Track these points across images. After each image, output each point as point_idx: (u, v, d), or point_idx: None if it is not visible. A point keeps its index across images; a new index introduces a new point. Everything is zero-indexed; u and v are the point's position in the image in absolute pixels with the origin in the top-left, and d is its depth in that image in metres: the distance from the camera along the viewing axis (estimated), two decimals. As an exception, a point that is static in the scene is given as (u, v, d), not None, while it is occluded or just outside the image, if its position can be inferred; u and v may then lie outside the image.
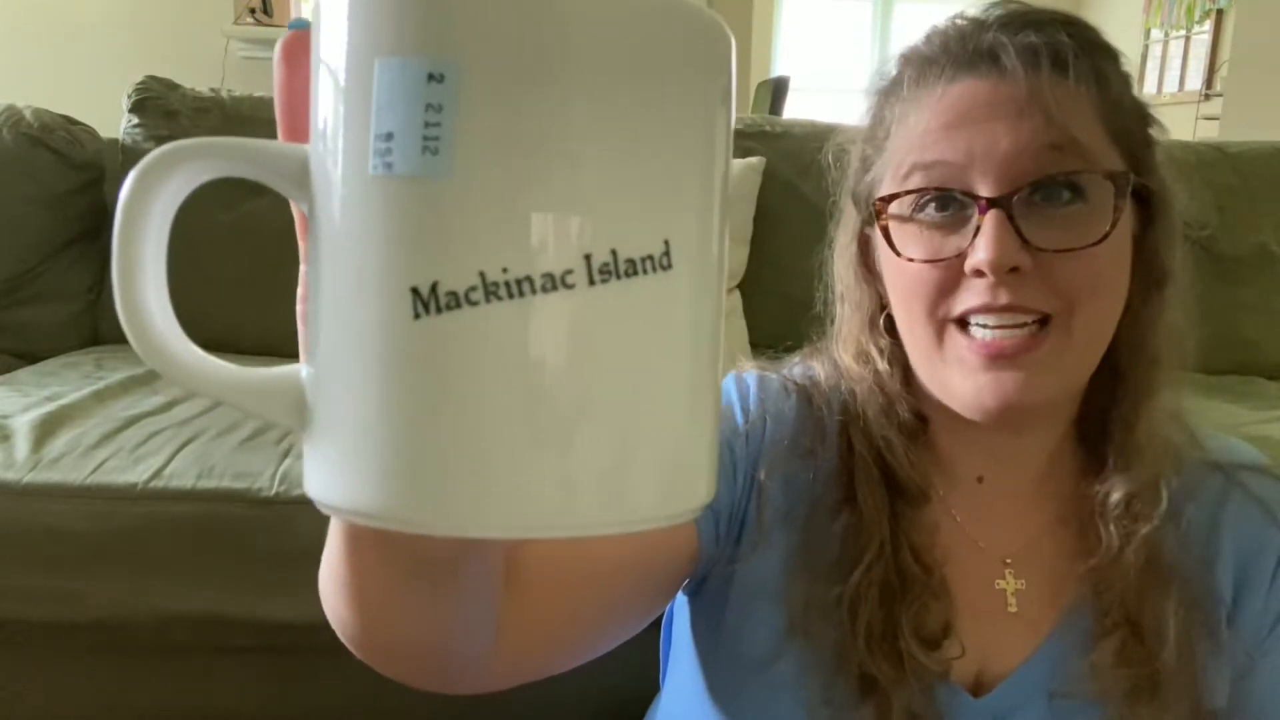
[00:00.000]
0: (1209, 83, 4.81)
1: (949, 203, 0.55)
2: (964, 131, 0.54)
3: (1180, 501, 0.60)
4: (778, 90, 3.94)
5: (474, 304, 0.21)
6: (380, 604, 0.40)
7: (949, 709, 0.58)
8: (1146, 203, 0.58)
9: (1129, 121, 0.57)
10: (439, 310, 0.21)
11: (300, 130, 0.25)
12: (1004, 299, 0.53)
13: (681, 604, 0.69)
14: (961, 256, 0.54)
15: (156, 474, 1.11)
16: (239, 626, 1.12)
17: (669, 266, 0.22)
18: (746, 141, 1.79)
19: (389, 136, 0.21)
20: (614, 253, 0.21)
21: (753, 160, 1.69)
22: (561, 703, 1.14)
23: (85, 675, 1.19)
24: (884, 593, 0.58)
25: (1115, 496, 0.59)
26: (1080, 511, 0.61)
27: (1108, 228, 0.53)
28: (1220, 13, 4.71)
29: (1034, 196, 0.54)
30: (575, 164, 0.21)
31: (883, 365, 0.62)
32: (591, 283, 0.21)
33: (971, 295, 0.54)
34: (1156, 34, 5.63)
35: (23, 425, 1.19)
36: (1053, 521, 0.62)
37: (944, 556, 0.61)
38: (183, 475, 1.12)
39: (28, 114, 1.70)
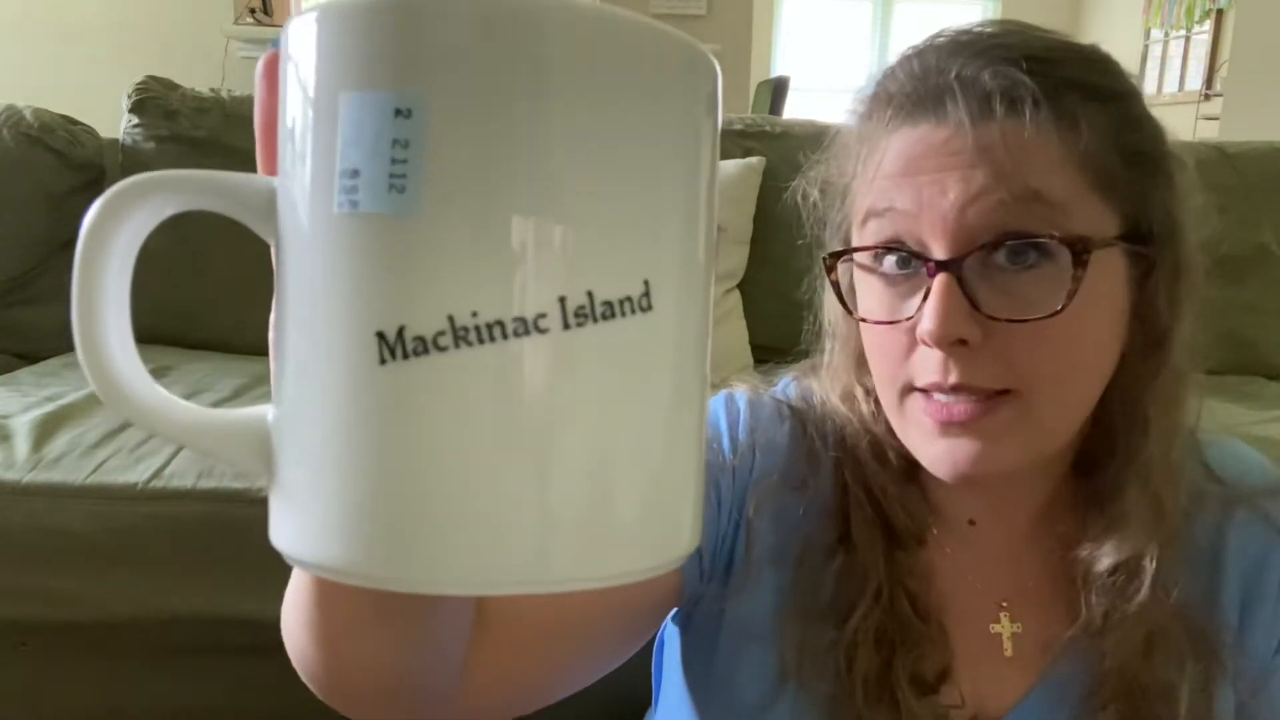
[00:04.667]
0: (1209, 83, 4.80)
1: (907, 259, 0.51)
2: (914, 180, 0.50)
3: (1181, 526, 0.56)
4: (778, 90, 3.94)
5: (442, 349, 0.20)
6: (347, 644, 0.38)
7: None
8: (1145, 251, 0.53)
9: (1114, 165, 0.50)
10: (405, 356, 0.20)
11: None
12: (954, 378, 0.49)
13: (673, 634, 0.67)
14: (914, 321, 0.50)
15: (156, 474, 1.11)
16: (239, 626, 1.12)
17: (649, 308, 0.21)
18: (746, 141, 1.79)
19: (354, 173, 0.20)
20: (590, 295, 0.20)
21: (753, 160, 1.69)
22: (561, 702, 1.14)
23: (85, 675, 1.19)
24: (880, 640, 0.55)
25: (1099, 568, 0.55)
26: (1073, 561, 0.58)
27: (1060, 304, 0.48)
28: (1220, 13, 4.71)
29: (994, 256, 0.49)
30: (548, 203, 0.20)
31: (868, 407, 0.59)
32: (566, 326, 0.20)
33: (923, 370, 0.51)
34: (1156, 34, 5.62)
35: (23, 425, 1.19)
36: (1049, 564, 0.59)
37: (940, 600, 0.58)
38: (183, 475, 1.12)
39: (28, 114, 1.70)
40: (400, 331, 0.20)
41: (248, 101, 1.76)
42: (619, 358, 0.21)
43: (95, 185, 1.74)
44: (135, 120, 1.71)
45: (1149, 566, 0.54)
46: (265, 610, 1.10)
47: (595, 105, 0.20)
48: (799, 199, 0.62)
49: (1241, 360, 1.81)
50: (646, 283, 0.21)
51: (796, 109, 4.26)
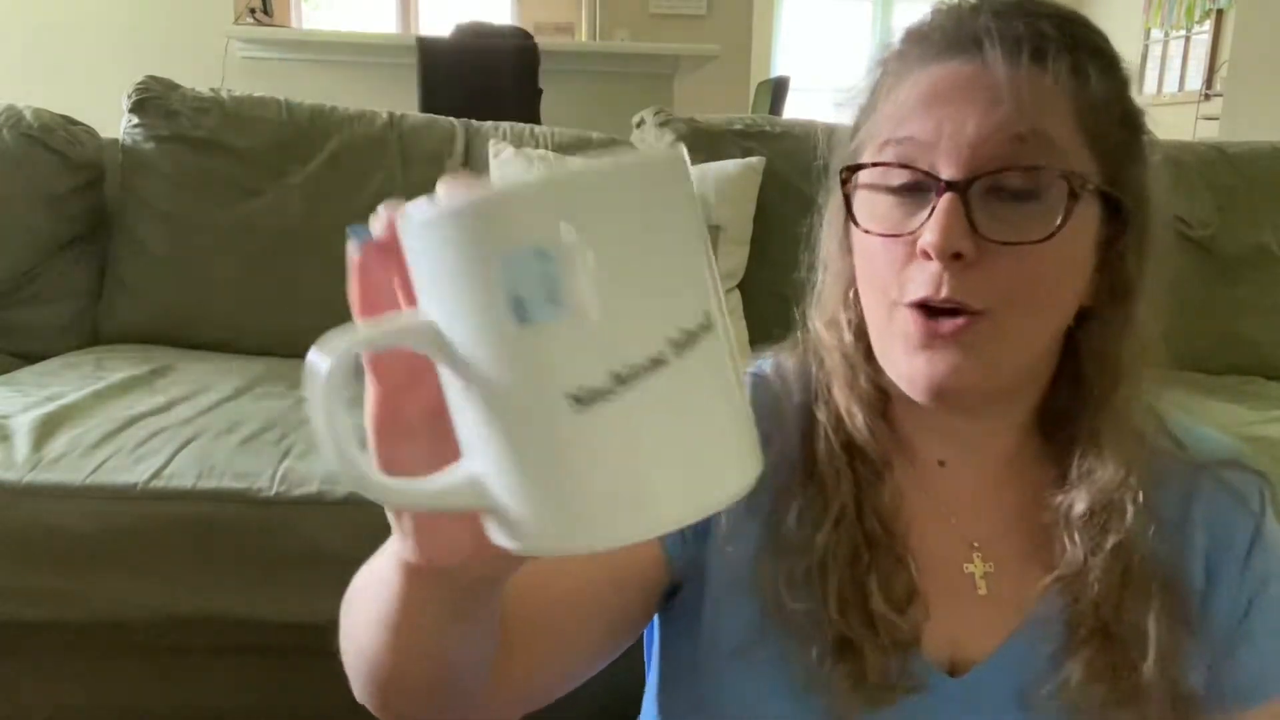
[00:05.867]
0: (1209, 83, 4.80)
1: (914, 182, 0.56)
2: (937, 111, 0.55)
3: (1150, 489, 0.60)
4: (778, 90, 3.94)
5: (612, 392, 0.30)
6: (418, 638, 0.43)
7: (924, 686, 0.59)
8: (1118, 211, 0.58)
9: (1108, 125, 0.57)
10: (589, 404, 0.30)
11: (380, 306, 0.34)
12: (945, 291, 0.54)
13: (656, 626, 0.70)
14: (915, 235, 0.55)
15: (156, 474, 1.11)
16: (239, 626, 1.12)
17: (710, 327, 0.32)
18: (746, 141, 1.79)
19: (520, 301, 0.30)
20: (684, 331, 0.31)
21: (753, 160, 1.69)
22: (560, 705, 1.14)
23: (85, 675, 1.19)
24: (852, 556, 0.59)
25: (1079, 509, 0.59)
26: (1047, 506, 0.61)
27: (1055, 226, 0.54)
28: (1220, 13, 4.71)
29: (994, 188, 0.54)
30: (646, 286, 0.31)
31: (849, 336, 0.63)
32: (677, 355, 0.31)
33: (918, 283, 0.55)
34: (1156, 34, 5.62)
35: (23, 425, 1.19)
36: (1020, 509, 0.63)
37: (911, 532, 0.62)
38: (183, 475, 1.12)
39: (28, 114, 1.70)
40: (584, 389, 0.30)
41: (248, 101, 1.76)
42: (707, 364, 0.32)
43: (95, 185, 1.74)
44: (135, 120, 1.71)
45: (1125, 506, 0.58)
46: (265, 610, 1.11)
47: (651, 226, 0.31)
48: (823, 136, 0.66)
49: (1241, 360, 1.81)
50: (706, 313, 0.32)
51: (796, 109, 4.26)
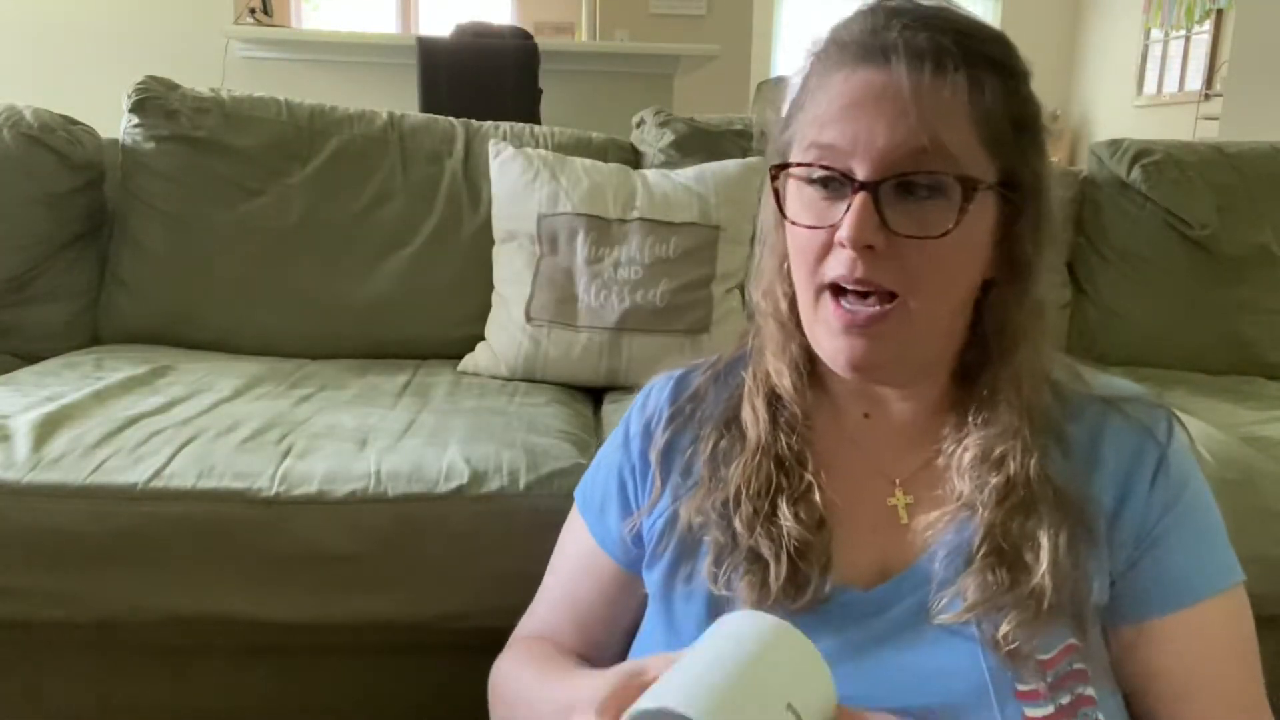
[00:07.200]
0: (1209, 83, 4.81)
1: (832, 180, 0.65)
2: (853, 120, 0.64)
3: (1062, 424, 0.70)
4: (778, 90, 3.93)
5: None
6: None
7: (829, 598, 0.67)
8: (1013, 200, 0.66)
9: (1003, 128, 0.65)
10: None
11: None
12: (859, 272, 0.64)
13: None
14: (835, 227, 0.64)
15: (156, 474, 1.11)
16: (239, 626, 1.12)
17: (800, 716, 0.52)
18: (746, 141, 1.79)
19: None
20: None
21: (752, 160, 1.69)
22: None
23: (85, 675, 1.19)
24: (765, 483, 0.70)
25: (968, 456, 0.69)
26: (943, 453, 0.71)
27: (951, 225, 0.63)
28: (1220, 13, 4.72)
29: (902, 185, 0.63)
30: None
31: (784, 305, 0.73)
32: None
33: (836, 266, 0.65)
34: (1156, 34, 5.62)
35: (23, 425, 1.19)
36: (935, 450, 0.71)
37: (839, 474, 0.71)
38: (183, 475, 1.12)
39: (28, 114, 1.70)
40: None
41: (247, 102, 1.76)
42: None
43: (95, 185, 1.74)
44: (135, 120, 1.71)
45: (1012, 453, 0.67)
46: (265, 610, 1.11)
47: None
48: (757, 111, 0.75)
49: (1241, 360, 1.81)
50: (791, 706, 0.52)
51: (796, 109, 4.24)
